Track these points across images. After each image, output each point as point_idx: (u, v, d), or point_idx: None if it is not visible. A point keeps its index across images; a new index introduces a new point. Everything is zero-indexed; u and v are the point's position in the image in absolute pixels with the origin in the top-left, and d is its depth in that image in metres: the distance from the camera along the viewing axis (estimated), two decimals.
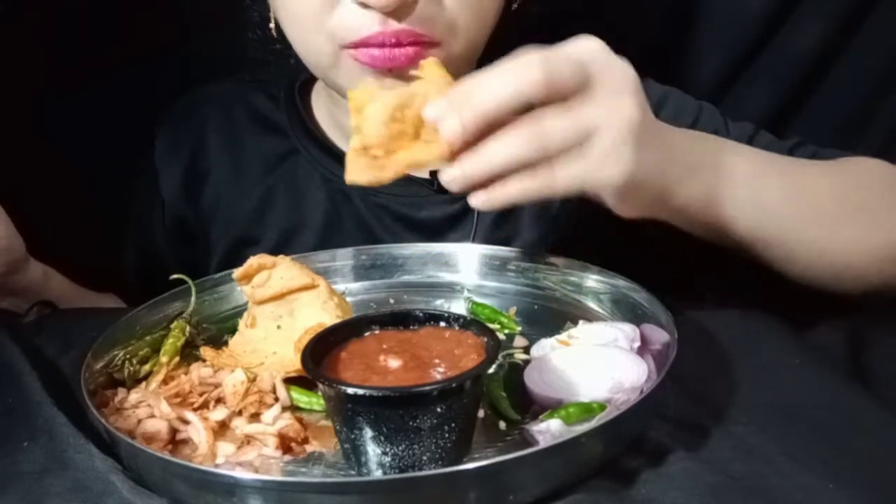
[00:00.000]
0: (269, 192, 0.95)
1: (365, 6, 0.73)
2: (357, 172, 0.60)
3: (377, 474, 0.54)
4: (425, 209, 0.92)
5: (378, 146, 0.59)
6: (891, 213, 0.78)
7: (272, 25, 0.86)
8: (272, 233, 0.95)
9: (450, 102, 0.57)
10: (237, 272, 0.72)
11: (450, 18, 0.77)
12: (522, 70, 0.56)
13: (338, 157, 0.94)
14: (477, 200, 0.59)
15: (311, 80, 0.98)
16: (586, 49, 0.60)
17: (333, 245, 0.91)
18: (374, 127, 0.59)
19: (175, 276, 0.77)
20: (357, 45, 0.75)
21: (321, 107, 0.97)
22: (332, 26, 0.76)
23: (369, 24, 0.74)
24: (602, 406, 0.60)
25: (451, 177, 0.58)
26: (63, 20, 1.04)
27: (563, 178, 0.59)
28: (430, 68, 0.62)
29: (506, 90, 0.56)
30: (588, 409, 0.59)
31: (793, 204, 0.74)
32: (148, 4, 1.07)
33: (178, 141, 0.98)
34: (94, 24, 1.05)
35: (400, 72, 0.77)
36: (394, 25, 0.74)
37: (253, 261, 0.72)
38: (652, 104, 0.93)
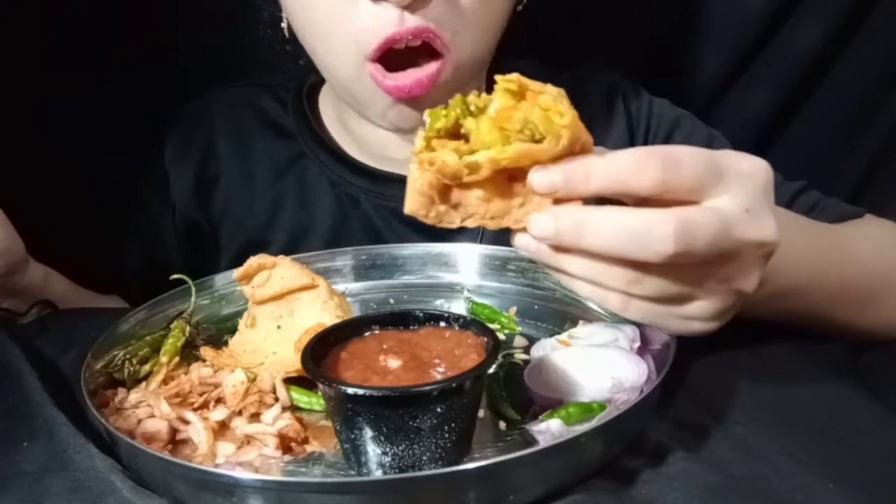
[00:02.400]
0: (278, 197, 0.96)
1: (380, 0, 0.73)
2: (419, 204, 0.53)
3: (377, 474, 0.54)
4: None
5: (456, 174, 0.51)
6: None
7: (284, 25, 0.86)
8: (281, 236, 0.95)
9: (555, 211, 0.50)
10: (237, 272, 0.72)
11: (463, 18, 0.77)
12: (650, 236, 0.48)
13: (345, 161, 0.94)
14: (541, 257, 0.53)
15: (319, 83, 0.98)
16: (739, 205, 0.50)
17: (340, 246, 0.91)
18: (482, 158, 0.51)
19: (175, 276, 0.77)
20: (379, 53, 0.75)
21: (329, 110, 0.97)
22: (350, 28, 0.75)
23: (386, 23, 0.74)
24: (602, 406, 0.60)
25: (525, 246, 0.53)
26: (63, 20, 1.04)
27: (635, 311, 0.53)
28: (562, 109, 0.50)
29: (618, 246, 0.49)
30: (588, 409, 0.59)
31: (834, 286, 0.73)
32: (147, 5, 1.07)
33: (188, 145, 0.98)
34: (95, 24, 1.05)
35: (417, 102, 0.78)
36: (410, 22, 0.74)
37: (253, 261, 0.72)
38: (665, 127, 0.94)
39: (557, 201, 0.51)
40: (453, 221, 0.54)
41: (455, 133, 0.53)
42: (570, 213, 0.50)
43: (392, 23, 0.74)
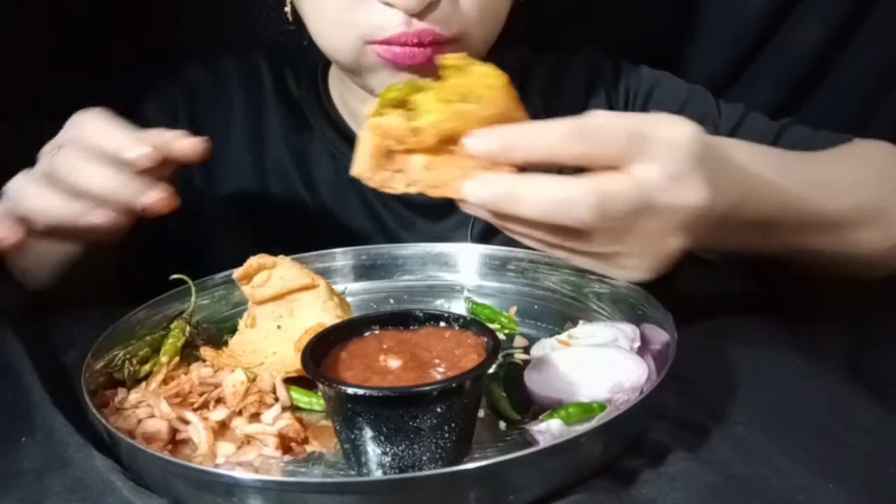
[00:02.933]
0: (282, 166, 0.97)
1: (390, 6, 0.76)
2: (366, 166, 0.58)
3: (377, 474, 0.54)
4: None
5: (401, 137, 0.57)
6: None
7: (287, 9, 0.87)
8: (281, 207, 0.96)
9: (487, 179, 0.56)
10: (237, 272, 0.72)
11: (467, 17, 0.79)
12: (573, 207, 0.54)
13: (347, 136, 0.96)
14: (480, 213, 0.58)
15: (329, 62, 0.99)
16: (663, 172, 0.56)
17: (337, 221, 0.92)
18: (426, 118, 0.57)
19: (175, 276, 0.77)
20: (381, 43, 0.78)
21: (335, 89, 0.99)
22: (358, 22, 0.78)
23: (394, 23, 0.76)
24: (602, 406, 0.60)
25: (471, 206, 0.58)
26: (63, 20, 1.04)
27: (578, 263, 0.61)
28: (496, 89, 0.58)
29: (546, 214, 0.55)
30: (588, 410, 0.59)
31: (812, 215, 0.72)
32: (147, 5, 1.07)
33: (200, 104, 0.99)
34: (95, 24, 1.05)
35: (420, 69, 0.79)
36: (416, 25, 0.76)
37: (253, 261, 0.72)
38: (643, 90, 0.96)
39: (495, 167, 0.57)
40: (396, 187, 0.59)
41: (404, 105, 0.59)
42: (502, 181, 0.55)
43: (399, 23, 0.76)
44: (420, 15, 0.76)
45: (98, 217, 0.64)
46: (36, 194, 0.65)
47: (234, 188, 0.97)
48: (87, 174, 0.63)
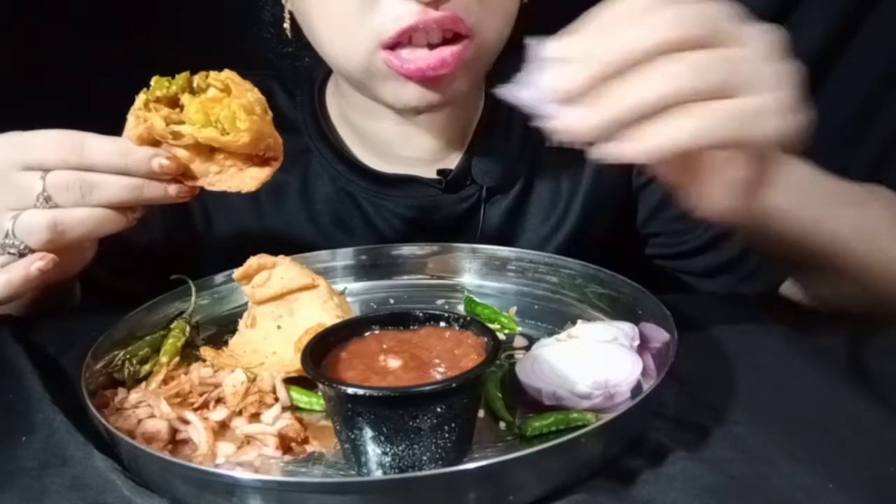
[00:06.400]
0: (280, 189, 0.95)
1: None
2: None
3: (377, 474, 0.54)
4: (433, 211, 0.92)
5: (163, 136, 0.66)
6: None
7: (286, 26, 0.86)
8: (281, 229, 0.94)
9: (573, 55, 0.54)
10: (237, 272, 0.72)
11: (484, 5, 0.78)
12: (656, 27, 0.51)
13: (346, 159, 0.94)
14: (621, 150, 0.52)
15: (326, 79, 0.98)
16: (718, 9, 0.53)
17: (338, 243, 0.91)
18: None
19: (175, 276, 0.77)
20: (398, 40, 0.76)
21: (334, 107, 0.97)
22: (373, 22, 0.76)
23: (409, 14, 0.75)
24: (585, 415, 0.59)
25: (584, 123, 0.52)
26: (63, 20, 1.04)
27: (717, 125, 0.51)
28: (243, 117, 0.65)
29: (641, 44, 0.50)
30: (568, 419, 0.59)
31: (858, 217, 0.74)
32: (147, 5, 1.07)
33: None
34: (95, 24, 1.05)
35: (432, 83, 0.78)
36: (433, 14, 0.75)
37: (253, 261, 0.72)
38: None
39: None
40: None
41: (174, 100, 0.67)
42: (582, 38, 0.56)
43: (415, 13, 0.74)
44: (436, 4, 0.74)
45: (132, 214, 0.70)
46: (57, 218, 0.68)
47: (233, 212, 0.95)
48: (112, 187, 0.68)
